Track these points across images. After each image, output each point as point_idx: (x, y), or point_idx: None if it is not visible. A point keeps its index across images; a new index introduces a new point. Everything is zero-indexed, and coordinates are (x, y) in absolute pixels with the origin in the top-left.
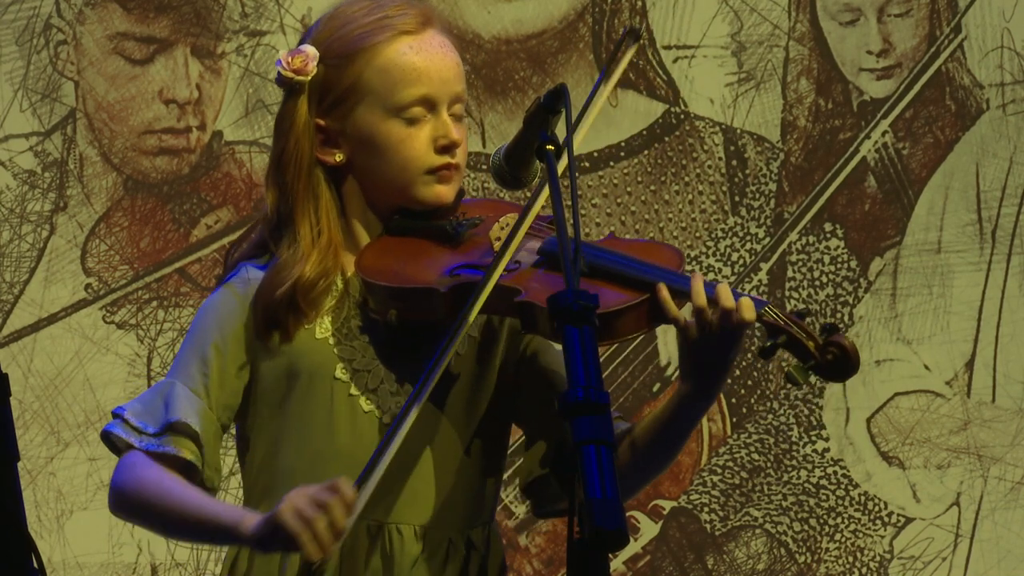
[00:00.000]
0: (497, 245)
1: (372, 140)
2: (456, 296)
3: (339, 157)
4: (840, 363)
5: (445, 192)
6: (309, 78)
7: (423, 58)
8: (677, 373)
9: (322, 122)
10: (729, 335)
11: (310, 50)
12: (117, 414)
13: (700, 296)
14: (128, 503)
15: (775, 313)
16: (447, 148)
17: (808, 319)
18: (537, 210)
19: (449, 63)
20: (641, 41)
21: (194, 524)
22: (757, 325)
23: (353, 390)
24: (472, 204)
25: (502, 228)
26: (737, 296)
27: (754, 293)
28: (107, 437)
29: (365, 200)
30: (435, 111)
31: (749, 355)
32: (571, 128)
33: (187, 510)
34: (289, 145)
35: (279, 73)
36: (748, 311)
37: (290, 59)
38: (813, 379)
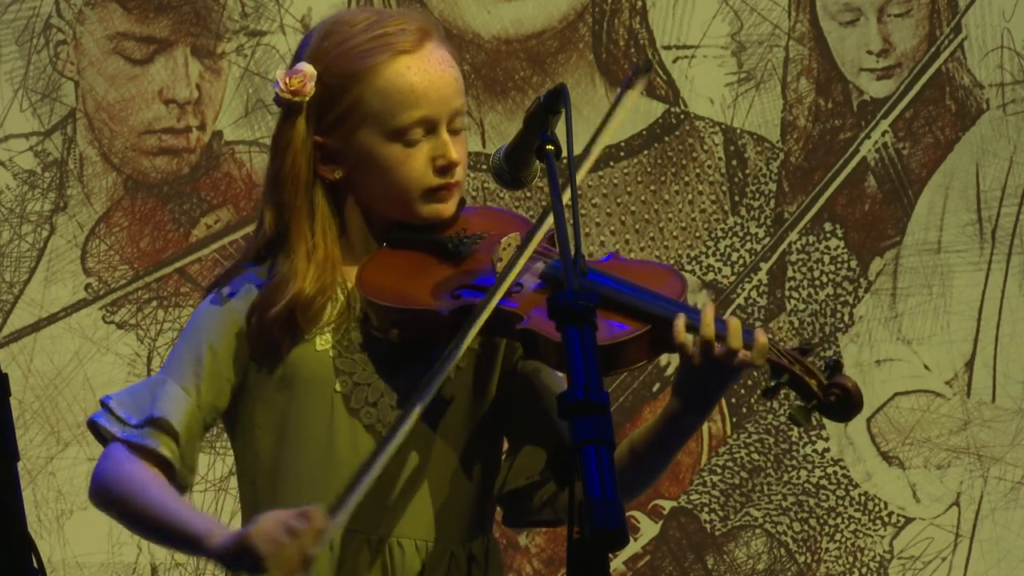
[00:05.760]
0: (499, 266)
1: (371, 161)
2: (457, 318)
3: (338, 174)
4: (843, 404)
5: (444, 209)
6: (307, 99)
7: (422, 79)
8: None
9: (321, 139)
10: (733, 368)
11: (308, 69)
12: (104, 403)
13: (709, 329)
14: (106, 494)
15: (779, 351)
16: (445, 169)
17: (811, 357)
18: (540, 239)
19: (448, 79)
20: (650, 73)
21: (165, 527)
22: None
23: (353, 403)
24: (473, 215)
25: (504, 249)
26: (749, 333)
27: (754, 293)
28: (93, 426)
29: (364, 214)
30: (434, 131)
31: None
32: (570, 128)
33: (161, 511)
34: (287, 164)
35: (276, 94)
36: (759, 355)
37: (288, 80)
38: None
